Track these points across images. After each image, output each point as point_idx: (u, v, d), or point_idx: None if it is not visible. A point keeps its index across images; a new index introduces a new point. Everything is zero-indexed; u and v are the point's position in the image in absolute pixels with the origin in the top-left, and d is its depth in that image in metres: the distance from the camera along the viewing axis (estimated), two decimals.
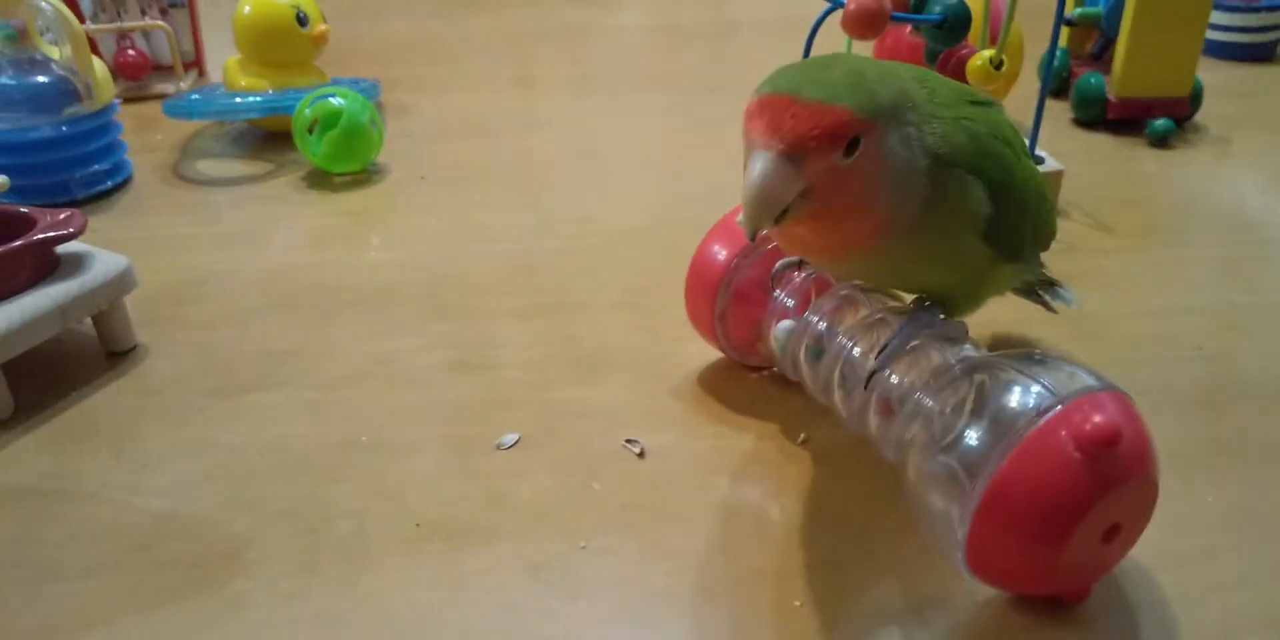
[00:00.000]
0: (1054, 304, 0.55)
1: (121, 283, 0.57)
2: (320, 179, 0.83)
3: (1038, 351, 0.40)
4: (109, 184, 0.80)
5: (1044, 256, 0.53)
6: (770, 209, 0.35)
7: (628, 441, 0.50)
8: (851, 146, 0.35)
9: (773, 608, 0.40)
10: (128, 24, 1.01)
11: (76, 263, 0.56)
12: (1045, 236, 0.49)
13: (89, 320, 0.58)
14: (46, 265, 0.56)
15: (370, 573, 0.42)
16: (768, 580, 0.42)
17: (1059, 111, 0.94)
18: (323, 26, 0.90)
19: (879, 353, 0.43)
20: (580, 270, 0.68)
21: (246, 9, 0.88)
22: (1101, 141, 0.88)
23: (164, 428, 0.52)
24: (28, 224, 0.57)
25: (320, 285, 0.66)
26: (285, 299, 0.65)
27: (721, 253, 0.51)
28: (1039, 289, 0.54)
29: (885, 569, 0.42)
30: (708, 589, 0.42)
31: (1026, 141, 0.76)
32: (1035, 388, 0.37)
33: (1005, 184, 0.40)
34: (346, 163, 0.82)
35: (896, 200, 0.38)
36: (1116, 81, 0.87)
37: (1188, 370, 0.56)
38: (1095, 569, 0.38)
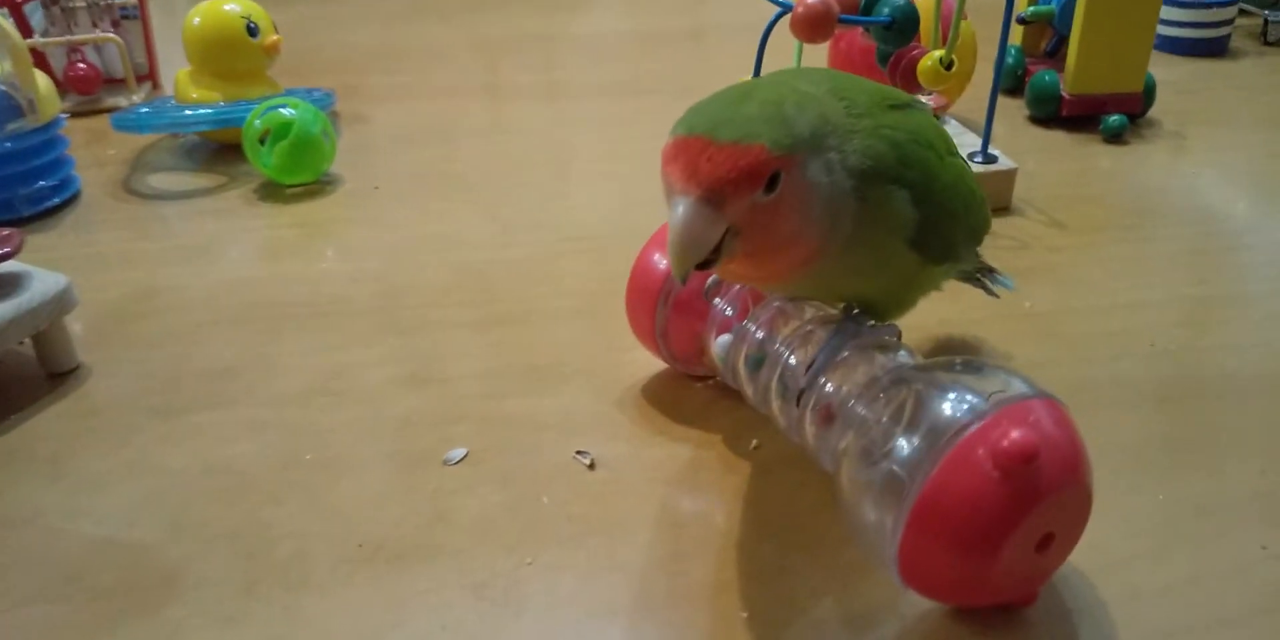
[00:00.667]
0: (994, 288, 0.55)
1: (60, 302, 0.56)
2: (272, 191, 0.81)
3: (971, 359, 0.40)
4: (56, 200, 0.78)
5: (992, 251, 0.53)
6: (695, 254, 0.34)
7: (578, 453, 0.50)
8: (772, 183, 0.34)
9: (719, 620, 0.40)
10: (77, 37, 0.99)
11: (13, 283, 0.55)
12: (978, 233, 0.49)
13: (29, 341, 0.56)
14: None
15: (311, 595, 0.41)
16: (715, 592, 0.41)
17: (1014, 109, 0.94)
18: (274, 37, 0.89)
19: (807, 368, 0.42)
20: (537, 279, 0.67)
21: (196, 20, 0.87)
22: (1056, 138, 0.89)
23: (104, 451, 0.51)
24: None
25: (270, 299, 0.65)
26: (234, 314, 0.64)
27: (661, 263, 0.50)
28: (979, 275, 0.54)
29: (831, 578, 0.42)
30: (654, 603, 0.41)
31: (980, 140, 0.76)
32: (966, 397, 0.36)
33: (928, 188, 0.39)
34: (298, 174, 0.81)
35: (825, 226, 0.37)
36: (1070, 78, 0.88)
37: (1141, 366, 0.56)
38: (1032, 577, 0.38)
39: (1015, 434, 0.34)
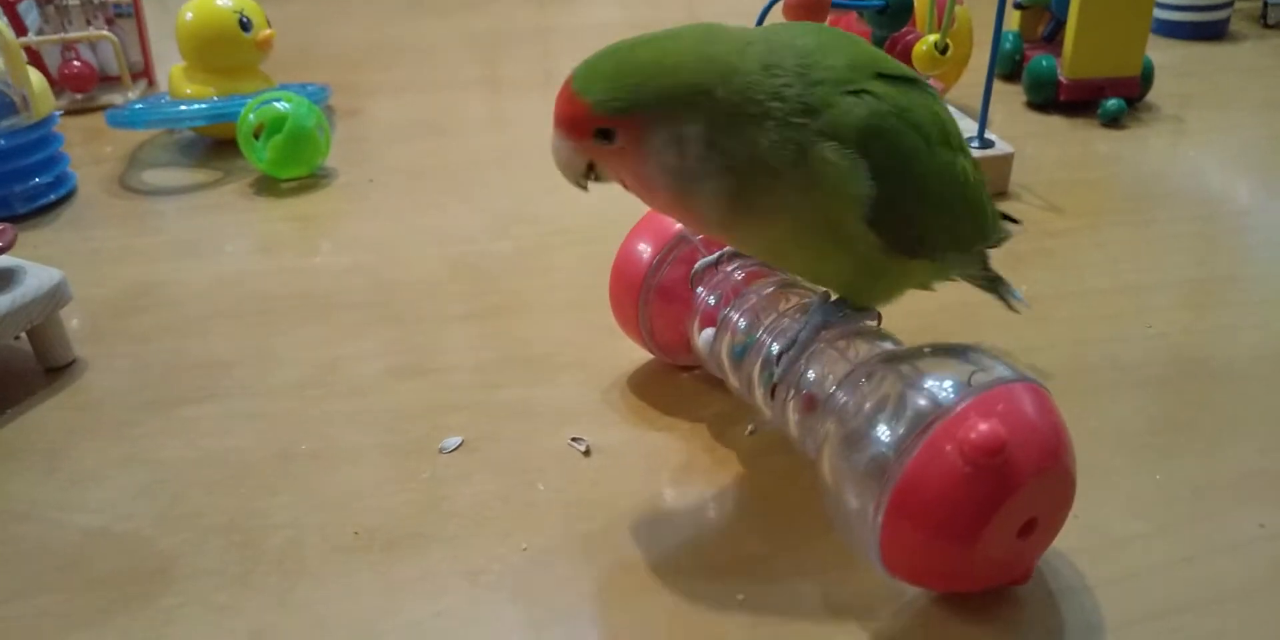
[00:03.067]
0: (1012, 302, 0.51)
1: (54, 297, 0.56)
2: (268, 185, 0.81)
3: (954, 344, 0.39)
4: (51, 197, 0.78)
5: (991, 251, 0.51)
6: (566, 172, 0.40)
7: (573, 440, 0.50)
8: (603, 136, 0.36)
9: (716, 603, 0.40)
10: (71, 35, 0.99)
11: (7, 278, 0.55)
12: (965, 240, 0.44)
13: (25, 336, 0.56)
14: None
15: (305, 584, 0.41)
16: (711, 575, 0.41)
17: (1013, 95, 0.93)
18: (267, 31, 0.88)
19: (778, 359, 0.42)
20: (530, 270, 0.67)
21: (189, 15, 0.87)
22: (1054, 123, 0.88)
23: (99, 443, 0.51)
24: None
25: (266, 293, 0.65)
26: (229, 308, 0.64)
27: (645, 252, 0.50)
28: (995, 285, 0.50)
29: (824, 561, 0.42)
30: (651, 586, 0.41)
31: (976, 125, 0.75)
32: (941, 386, 0.35)
33: (897, 168, 0.37)
34: (293, 168, 0.81)
35: (686, 193, 0.37)
36: (1067, 63, 0.87)
37: (1138, 349, 0.56)
38: (1018, 561, 0.38)
39: (982, 426, 0.33)
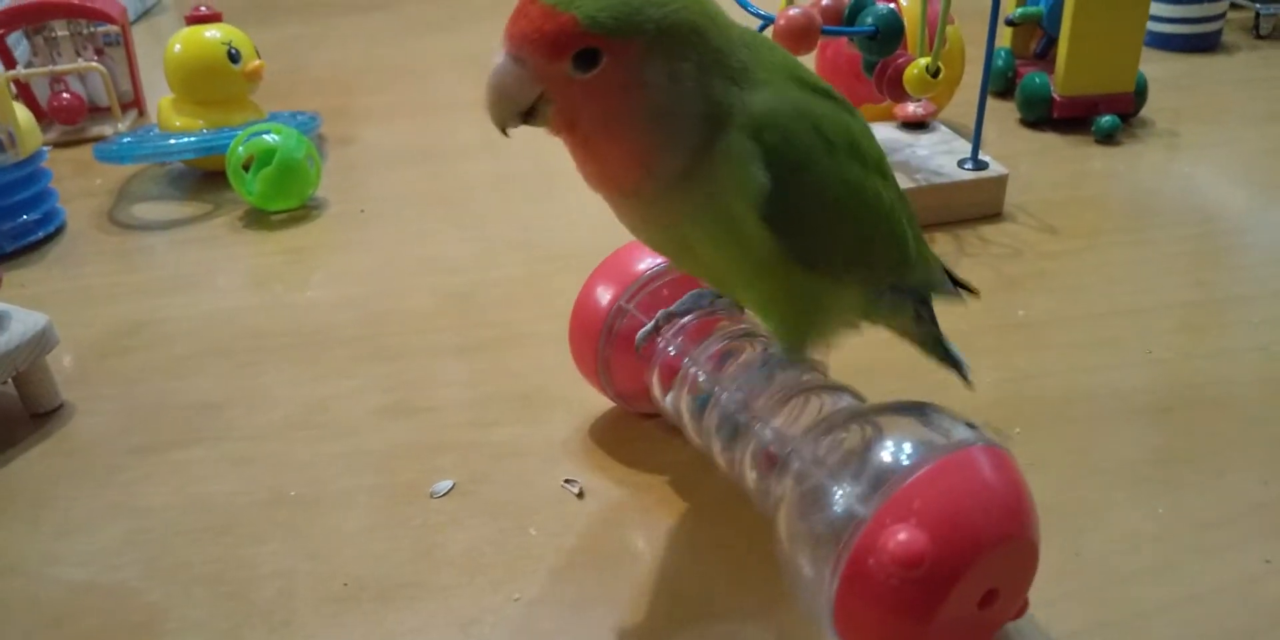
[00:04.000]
0: (964, 373, 0.48)
1: (40, 342, 0.55)
2: (258, 218, 0.81)
3: (914, 404, 0.38)
4: (40, 234, 0.78)
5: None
6: (501, 108, 0.34)
7: (567, 481, 0.49)
8: (585, 60, 0.32)
9: None
10: (59, 67, 0.99)
11: None
12: (874, 261, 0.40)
13: (11, 381, 0.56)
14: None
15: (295, 637, 0.41)
16: (710, 623, 0.40)
17: (1006, 112, 0.93)
18: (256, 62, 0.88)
19: (718, 427, 0.41)
20: (522, 301, 0.66)
21: (177, 48, 0.87)
22: (1049, 141, 0.88)
23: (85, 491, 0.50)
24: None
25: (255, 330, 0.65)
26: (218, 346, 0.63)
27: (604, 297, 0.48)
28: (939, 344, 0.47)
29: None
30: (646, 636, 0.40)
31: (969, 146, 0.74)
32: (906, 445, 0.35)
33: (791, 164, 0.35)
34: (283, 200, 0.80)
35: (656, 138, 0.34)
36: (1060, 80, 0.87)
37: (1137, 375, 0.55)
38: (983, 628, 0.36)
39: (900, 537, 0.32)
